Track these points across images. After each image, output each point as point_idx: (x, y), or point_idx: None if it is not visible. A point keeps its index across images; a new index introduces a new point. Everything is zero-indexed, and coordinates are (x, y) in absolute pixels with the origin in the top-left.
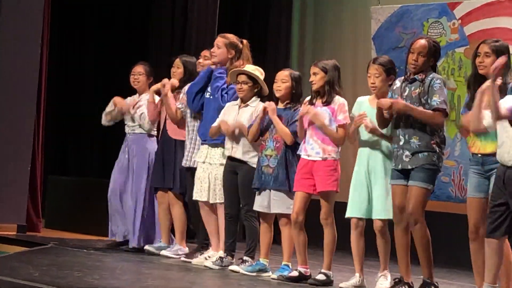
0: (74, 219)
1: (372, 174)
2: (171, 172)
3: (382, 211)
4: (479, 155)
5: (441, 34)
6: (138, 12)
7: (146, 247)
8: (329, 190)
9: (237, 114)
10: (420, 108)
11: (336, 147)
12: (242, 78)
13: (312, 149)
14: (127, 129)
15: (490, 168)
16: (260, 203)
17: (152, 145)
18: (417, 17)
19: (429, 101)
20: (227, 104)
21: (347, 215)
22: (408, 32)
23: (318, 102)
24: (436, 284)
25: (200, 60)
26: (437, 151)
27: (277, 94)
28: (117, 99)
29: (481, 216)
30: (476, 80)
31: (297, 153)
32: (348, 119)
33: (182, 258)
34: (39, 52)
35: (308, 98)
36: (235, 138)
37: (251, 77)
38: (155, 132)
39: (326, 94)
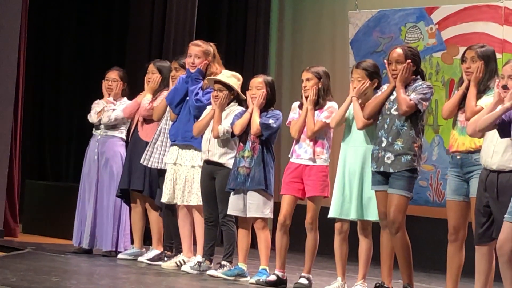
0: (52, 224)
1: (353, 174)
2: (141, 174)
3: (365, 212)
4: (458, 156)
5: (418, 38)
6: (116, 17)
7: (120, 255)
8: (319, 195)
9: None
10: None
11: (326, 153)
12: (218, 85)
13: (306, 152)
14: (98, 132)
15: (469, 170)
16: (235, 206)
17: (123, 148)
18: (395, 22)
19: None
20: (208, 107)
21: (331, 215)
22: (386, 36)
23: (310, 105)
24: None
25: (172, 73)
26: (418, 154)
27: (253, 101)
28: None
29: (461, 218)
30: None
31: (288, 156)
32: (330, 120)
33: (144, 260)
34: (17, 57)
35: (298, 103)
36: (212, 141)
37: (226, 86)
38: (124, 134)
39: (320, 99)
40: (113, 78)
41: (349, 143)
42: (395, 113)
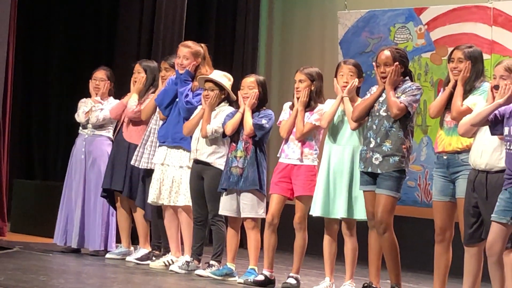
0: (40, 223)
1: (339, 173)
2: (121, 175)
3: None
4: (445, 156)
5: (407, 39)
6: (105, 17)
7: (108, 255)
8: (308, 195)
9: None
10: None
11: (315, 154)
12: (209, 84)
13: (294, 152)
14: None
15: (455, 170)
16: (228, 207)
17: (110, 148)
18: (384, 22)
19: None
20: (199, 107)
21: (316, 214)
22: (375, 37)
23: (300, 106)
24: None
25: (162, 74)
26: (406, 156)
27: (245, 101)
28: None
29: (447, 218)
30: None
31: (277, 155)
32: (319, 122)
33: (132, 259)
34: (5, 58)
35: (290, 103)
36: (201, 140)
37: (218, 84)
38: (111, 134)
39: (311, 101)
40: (100, 77)
41: (334, 142)
42: (384, 114)
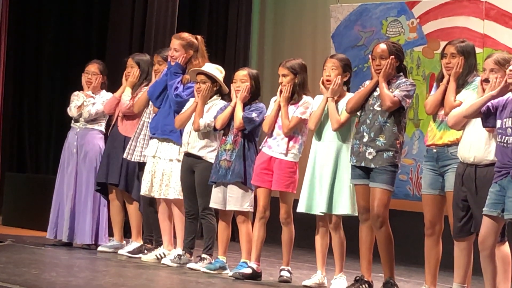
0: (31, 216)
1: (323, 169)
2: (117, 168)
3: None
4: (434, 149)
5: (400, 32)
6: (97, 10)
7: (100, 248)
8: (285, 191)
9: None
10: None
11: (298, 149)
12: (201, 77)
13: (278, 145)
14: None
15: (444, 164)
16: (216, 199)
17: (102, 142)
18: (376, 16)
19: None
20: (191, 100)
21: (300, 209)
22: (367, 30)
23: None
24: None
25: (155, 67)
26: (399, 151)
27: (237, 94)
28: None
29: (437, 212)
30: (443, 79)
31: (259, 147)
32: (306, 115)
33: (124, 253)
34: None
35: (276, 98)
36: (192, 134)
37: (210, 76)
38: (103, 127)
39: (295, 94)
40: (92, 71)
41: (320, 139)
42: (378, 109)
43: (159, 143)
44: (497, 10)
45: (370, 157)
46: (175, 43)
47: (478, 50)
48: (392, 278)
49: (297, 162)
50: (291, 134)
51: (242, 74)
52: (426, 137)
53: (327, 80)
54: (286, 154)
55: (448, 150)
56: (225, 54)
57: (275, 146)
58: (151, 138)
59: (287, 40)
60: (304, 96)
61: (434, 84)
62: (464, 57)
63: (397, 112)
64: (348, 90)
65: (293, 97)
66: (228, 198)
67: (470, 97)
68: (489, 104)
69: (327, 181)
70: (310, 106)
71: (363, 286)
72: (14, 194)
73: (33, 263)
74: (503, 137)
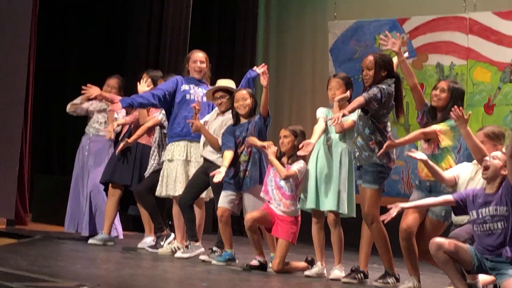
0: (58, 213)
1: (326, 171)
2: (129, 170)
3: (334, 204)
4: (428, 183)
5: None
6: (117, 26)
7: (90, 240)
8: (284, 239)
9: (213, 119)
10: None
11: (294, 205)
12: (220, 94)
13: (278, 206)
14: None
15: (437, 195)
16: (224, 200)
17: (112, 148)
18: (370, 31)
19: None
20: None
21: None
22: (362, 45)
23: (284, 159)
24: (397, 276)
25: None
26: (376, 151)
27: (241, 112)
28: (93, 90)
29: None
30: (431, 107)
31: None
32: (299, 172)
33: (149, 249)
34: (27, 63)
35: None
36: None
37: (226, 90)
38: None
39: (293, 156)
40: (112, 85)
41: (323, 143)
42: (360, 113)
43: (188, 144)
44: (480, 26)
45: (357, 156)
46: (204, 56)
47: (462, 61)
48: (391, 270)
49: (298, 217)
50: (286, 191)
51: (242, 93)
52: (419, 170)
53: (333, 98)
54: (285, 212)
55: (440, 184)
56: (232, 73)
57: (274, 206)
58: (178, 140)
59: (289, 55)
60: (301, 160)
61: (419, 114)
62: (451, 96)
63: (364, 116)
64: (349, 101)
65: (291, 158)
66: (245, 207)
67: (456, 169)
68: (458, 199)
69: (334, 182)
70: (301, 167)
71: (358, 275)
72: (43, 194)
73: (60, 256)
74: (484, 225)
